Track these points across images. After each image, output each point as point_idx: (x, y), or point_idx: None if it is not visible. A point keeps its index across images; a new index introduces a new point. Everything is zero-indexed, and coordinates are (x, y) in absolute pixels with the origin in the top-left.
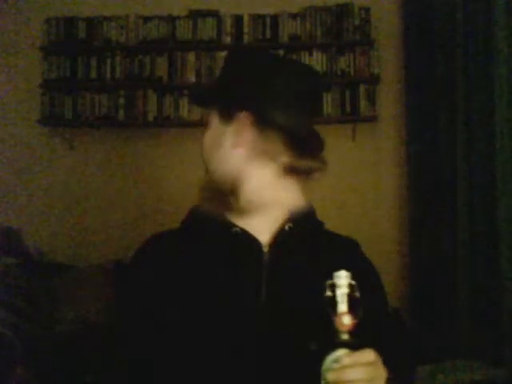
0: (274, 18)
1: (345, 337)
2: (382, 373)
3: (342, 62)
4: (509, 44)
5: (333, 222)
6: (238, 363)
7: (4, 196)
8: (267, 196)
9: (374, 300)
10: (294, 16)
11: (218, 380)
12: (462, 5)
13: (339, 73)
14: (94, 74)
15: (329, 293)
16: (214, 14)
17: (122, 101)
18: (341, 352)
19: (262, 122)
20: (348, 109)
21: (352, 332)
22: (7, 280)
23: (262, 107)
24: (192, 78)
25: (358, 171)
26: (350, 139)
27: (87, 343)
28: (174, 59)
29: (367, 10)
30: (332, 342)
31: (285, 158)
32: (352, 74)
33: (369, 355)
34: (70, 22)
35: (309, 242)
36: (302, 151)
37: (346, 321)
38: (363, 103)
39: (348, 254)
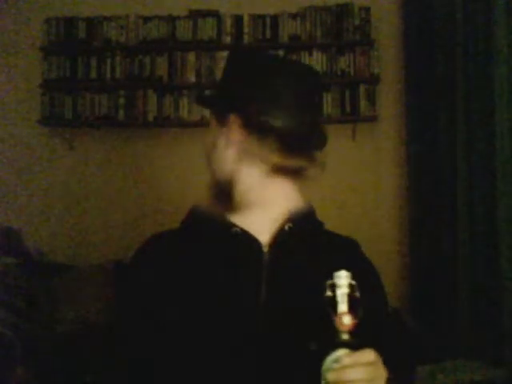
0: (274, 18)
1: (345, 337)
2: (382, 373)
3: (342, 62)
4: (509, 44)
5: (333, 222)
6: (238, 363)
7: (4, 196)
8: (256, 195)
9: (374, 300)
10: (294, 16)
11: (218, 380)
12: (462, 5)
13: (339, 73)
14: (94, 74)
15: (329, 293)
16: (214, 14)
17: (122, 101)
18: (341, 352)
19: (249, 124)
20: (348, 109)
21: (352, 332)
22: (7, 280)
23: (249, 109)
24: (192, 78)
25: (358, 171)
26: (350, 139)
27: (87, 343)
28: (174, 59)
29: (367, 9)
30: (332, 342)
31: (273, 158)
32: (352, 74)
33: (369, 355)
34: (70, 22)
35: (309, 242)
36: (290, 150)
37: (346, 321)
38: (363, 103)
39: (348, 254)
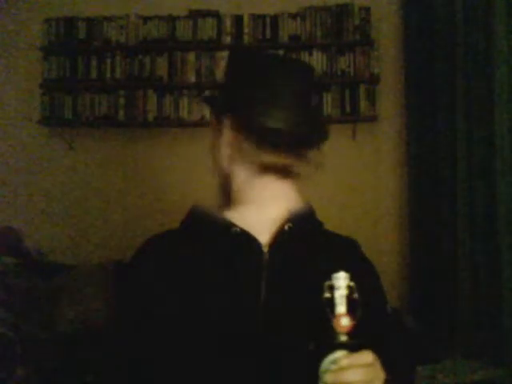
0: (274, 18)
1: (343, 338)
2: (380, 374)
3: (342, 62)
4: (509, 44)
5: (333, 222)
6: (238, 363)
7: (4, 196)
8: (247, 194)
9: (373, 300)
10: (294, 16)
11: (218, 380)
12: (462, 5)
13: (339, 73)
14: (94, 74)
15: (327, 294)
16: (214, 14)
17: (122, 101)
18: (339, 353)
19: (240, 125)
20: (348, 109)
21: (350, 333)
22: (7, 280)
23: (238, 110)
24: (192, 78)
25: (358, 171)
26: (350, 139)
27: (87, 343)
28: (174, 59)
29: (367, 9)
30: (330, 343)
31: (258, 157)
32: (352, 74)
33: (367, 357)
34: (70, 22)
35: (308, 242)
36: (275, 148)
37: (344, 322)
38: (363, 103)
39: (348, 254)
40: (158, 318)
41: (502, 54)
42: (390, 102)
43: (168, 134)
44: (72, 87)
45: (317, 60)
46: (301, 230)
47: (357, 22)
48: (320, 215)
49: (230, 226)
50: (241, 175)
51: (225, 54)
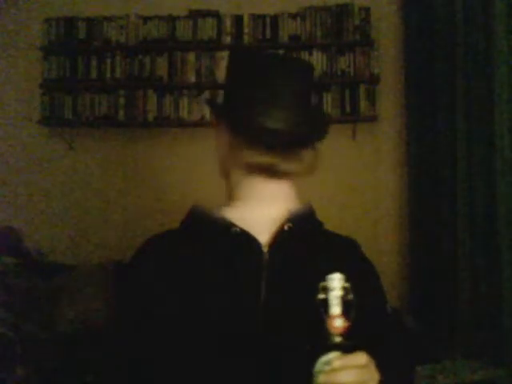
0: (274, 18)
1: (337, 339)
2: (374, 376)
3: (342, 62)
4: (509, 44)
5: (333, 222)
6: (238, 363)
7: (4, 196)
8: (240, 194)
9: (373, 300)
10: (294, 16)
11: (218, 380)
12: (462, 5)
13: (339, 73)
14: (94, 74)
15: (322, 295)
16: (214, 14)
17: (122, 101)
18: (332, 354)
19: (234, 125)
20: (348, 109)
21: (344, 334)
22: (7, 280)
23: (236, 110)
24: (192, 78)
25: (358, 171)
26: (350, 139)
27: (87, 343)
28: (174, 59)
29: (367, 9)
30: (324, 344)
31: (254, 158)
32: (352, 74)
33: (360, 358)
34: (70, 22)
35: (308, 241)
36: (270, 149)
37: (338, 323)
38: (363, 103)
39: (348, 254)
40: (158, 317)
41: (502, 54)
42: (389, 101)
43: (168, 134)
44: (72, 87)
45: (317, 60)
46: (301, 229)
47: (357, 22)
48: (320, 215)
49: (229, 225)
50: (237, 175)
51: (225, 53)
